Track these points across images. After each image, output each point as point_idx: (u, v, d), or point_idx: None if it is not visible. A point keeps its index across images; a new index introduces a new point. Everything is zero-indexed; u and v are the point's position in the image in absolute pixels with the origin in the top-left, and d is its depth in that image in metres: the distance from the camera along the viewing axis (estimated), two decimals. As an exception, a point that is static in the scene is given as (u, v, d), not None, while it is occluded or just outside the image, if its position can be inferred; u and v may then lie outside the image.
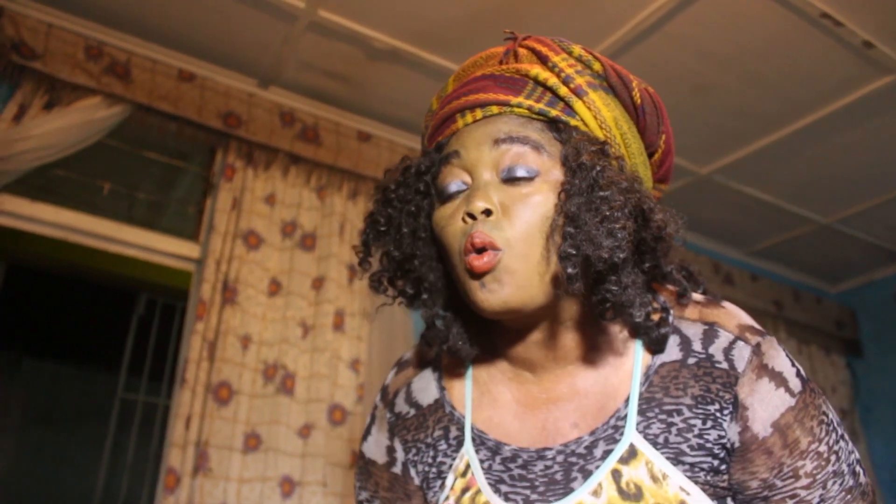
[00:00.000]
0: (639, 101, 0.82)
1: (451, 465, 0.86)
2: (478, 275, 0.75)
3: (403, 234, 0.85)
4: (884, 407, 3.87)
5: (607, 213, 0.71)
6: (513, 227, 0.74)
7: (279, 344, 2.39)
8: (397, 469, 0.92)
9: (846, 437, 0.77)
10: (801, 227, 3.61)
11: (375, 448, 0.95)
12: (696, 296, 0.85)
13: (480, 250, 0.74)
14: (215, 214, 2.42)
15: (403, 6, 2.26)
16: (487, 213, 0.75)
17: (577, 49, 0.82)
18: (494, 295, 0.74)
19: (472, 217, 0.76)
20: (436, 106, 0.90)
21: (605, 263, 0.71)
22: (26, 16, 2.25)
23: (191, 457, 2.14)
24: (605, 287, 0.74)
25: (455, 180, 0.80)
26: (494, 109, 0.79)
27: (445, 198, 0.81)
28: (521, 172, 0.76)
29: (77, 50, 2.29)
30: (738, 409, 0.75)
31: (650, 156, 0.86)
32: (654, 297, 0.83)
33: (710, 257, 3.67)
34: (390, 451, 0.93)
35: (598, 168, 0.74)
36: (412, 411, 0.92)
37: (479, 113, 0.80)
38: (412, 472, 0.91)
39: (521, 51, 0.84)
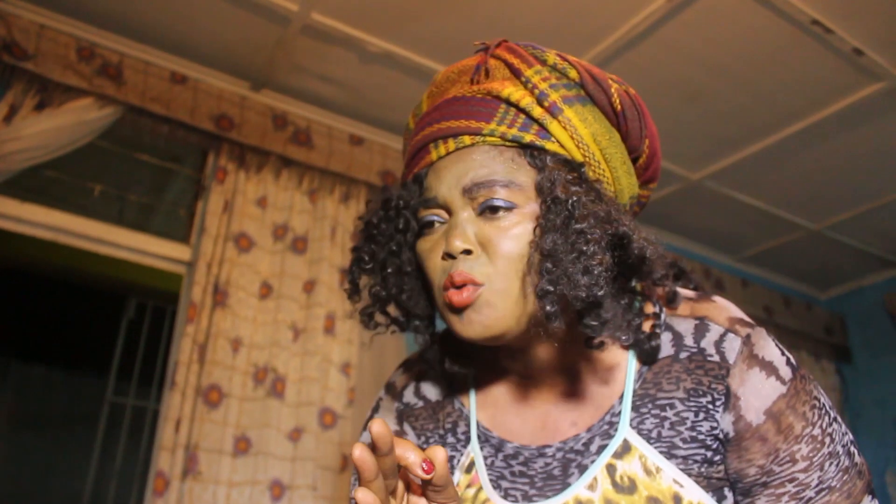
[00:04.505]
0: (619, 107, 0.79)
1: (458, 461, 0.88)
2: (458, 309, 0.77)
3: (388, 273, 0.87)
4: (873, 412, 3.89)
5: (583, 249, 0.71)
6: (493, 263, 0.76)
7: (270, 347, 2.38)
8: None
9: (839, 419, 0.78)
10: (791, 234, 3.62)
11: None
12: (688, 292, 0.87)
13: (460, 286, 0.76)
14: (206, 217, 2.42)
15: (397, 10, 2.27)
16: (467, 252, 0.77)
17: (552, 56, 0.80)
18: (473, 325, 0.76)
19: (452, 256, 0.77)
20: (412, 125, 0.91)
21: (584, 302, 0.71)
22: (18, 16, 2.24)
23: (180, 460, 2.13)
24: (585, 322, 0.74)
25: (433, 216, 0.82)
26: (466, 140, 0.79)
27: (425, 230, 0.83)
28: (496, 204, 0.76)
29: (69, 51, 2.28)
30: (730, 399, 0.76)
31: (635, 161, 0.85)
32: (645, 301, 0.85)
33: (700, 263, 3.69)
34: (399, 435, 0.95)
35: (574, 199, 0.74)
36: (421, 403, 0.95)
37: (451, 144, 0.80)
38: None
39: (493, 62, 0.83)
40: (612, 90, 0.79)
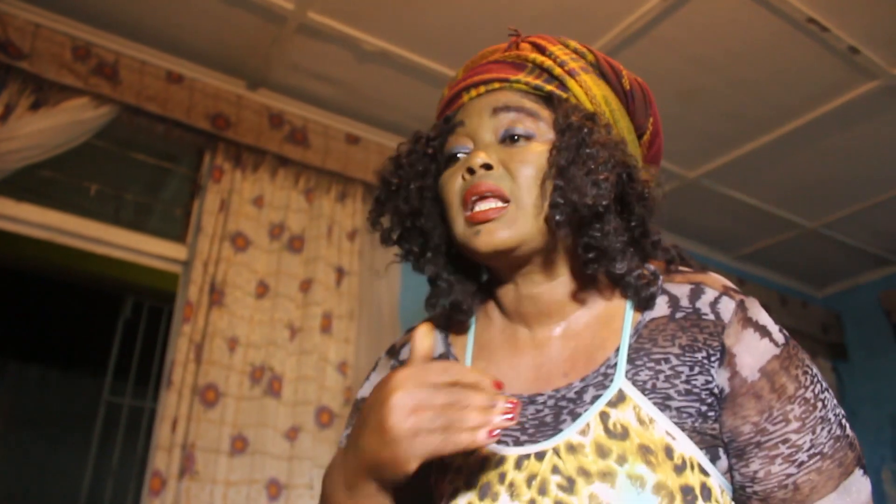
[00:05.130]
0: (628, 86, 0.90)
1: None
2: (478, 223, 0.81)
3: (411, 190, 0.91)
4: (869, 410, 3.89)
5: (592, 167, 0.79)
6: (514, 180, 0.82)
7: (266, 346, 2.38)
8: None
9: (830, 392, 0.80)
10: (787, 232, 3.63)
11: (371, 388, 0.97)
12: (684, 267, 0.90)
13: (484, 197, 0.81)
14: (203, 216, 2.41)
15: (393, 9, 2.27)
16: (487, 167, 0.82)
17: (574, 43, 0.91)
18: (493, 237, 0.80)
19: (472, 172, 0.83)
20: (447, 93, 0.98)
21: (590, 210, 0.78)
22: (13, 15, 2.24)
23: (177, 459, 2.12)
24: (588, 233, 0.80)
25: (458, 145, 0.88)
26: (496, 85, 0.88)
27: (450, 161, 0.89)
28: (517, 133, 0.84)
29: (64, 50, 2.28)
30: (725, 355, 0.78)
31: (639, 137, 0.93)
32: (645, 266, 0.88)
33: (697, 261, 3.68)
34: None
35: (587, 129, 0.82)
36: None
37: (482, 88, 0.89)
38: None
39: (523, 45, 0.93)
40: (623, 73, 0.91)
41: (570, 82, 0.87)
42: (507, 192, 0.81)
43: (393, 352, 1.00)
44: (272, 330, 2.40)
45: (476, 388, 0.69)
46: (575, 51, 0.90)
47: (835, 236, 3.65)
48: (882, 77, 2.48)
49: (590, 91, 0.88)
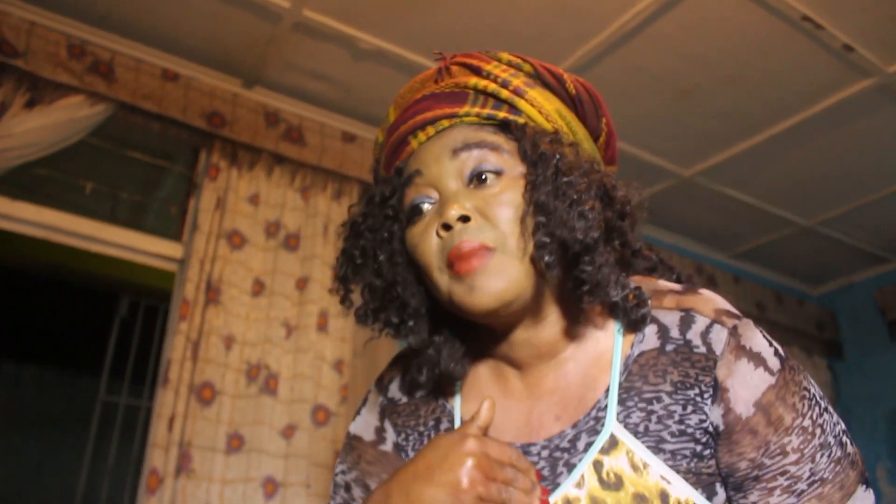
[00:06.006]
0: (573, 91, 0.84)
1: None
2: (466, 278, 0.75)
3: (381, 262, 0.85)
4: (864, 408, 3.91)
5: (575, 197, 0.74)
6: (496, 227, 0.76)
7: (262, 344, 2.38)
8: (386, 447, 0.93)
9: (830, 409, 0.78)
10: (783, 230, 3.64)
11: (363, 427, 0.96)
12: (673, 285, 0.85)
13: (468, 255, 0.75)
14: (199, 214, 2.41)
15: (389, 7, 2.27)
16: (464, 219, 0.76)
17: (506, 56, 0.85)
18: (485, 293, 0.75)
19: (448, 228, 0.77)
20: (382, 137, 0.91)
21: (581, 244, 0.73)
22: (8, 13, 2.23)
23: (173, 457, 2.12)
24: (580, 268, 0.75)
25: (421, 195, 0.81)
26: (445, 123, 0.81)
27: (414, 216, 0.82)
28: (486, 171, 0.78)
29: (59, 48, 2.28)
30: (718, 391, 0.75)
31: (595, 140, 0.89)
32: (630, 285, 0.84)
33: (692, 259, 3.70)
34: (379, 431, 0.94)
35: (558, 156, 0.77)
36: (405, 398, 0.94)
37: (430, 130, 0.82)
38: (404, 456, 0.92)
39: (454, 68, 0.86)
40: (565, 77, 0.85)
41: (521, 103, 0.82)
42: (491, 242, 0.75)
43: (382, 387, 0.97)
44: (268, 328, 2.40)
45: (526, 473, 0.75)
46: (510, 64, 0.84)
47: (830, 234, 3.66)
48: (876, 75, 2.49)
49: (542, 108, 0.82)
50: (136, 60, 2.42)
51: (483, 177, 0.78)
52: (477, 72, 0.84)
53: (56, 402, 4.31)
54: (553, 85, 0.84)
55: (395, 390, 0.95)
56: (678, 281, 0.94)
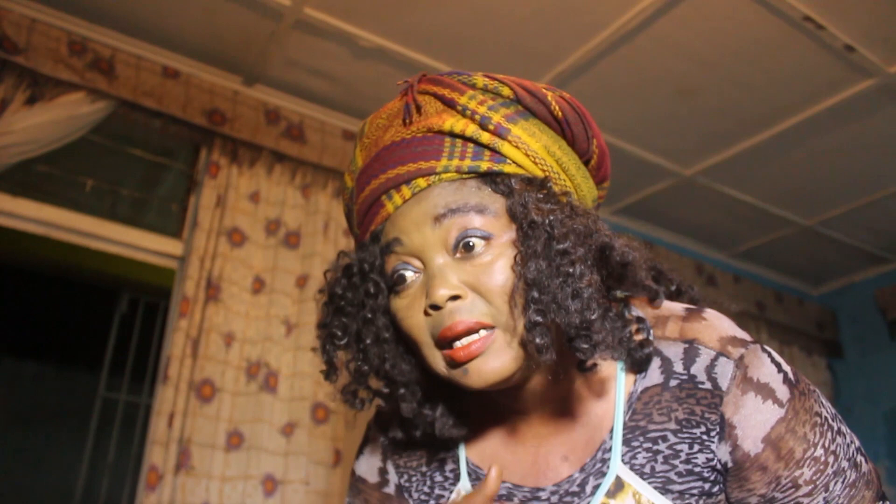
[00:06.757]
0: (560, 114, 0.75)
1: (448, 499, 0.86)
2: (463, 362, 0.70)
3: (367, 345, 0.79)
4: (863, 407, 3.92)
5: (569, 271, 0.68)
6: (490, 302, 0.70)
7: (262, 342, 2.38)
8: (389, 490, 0.92)
9: (843, 429, 0.74)
10: (783, 229, 3.64)
11: (367, 468, 0.94)
12: (677, 306, 0.81)
13: (463, 336, 0.70)
14: (199, 211, 2.41)
15: (389, 5, 2.27)
16: (454, 298, 0.71)
17: (480, 79, 0.76)
18: (483, 374, 0.70)
19: (437, 308, 0.71)
20: (350, 183, 0.84)
21: (577, 328, 0.68)
22: (9, 10, 2.23)
23: (173, 454, 2.13)
24: (576, 346, 0.69)
25: (403, 265, 0.75)
26: (422, 183, 0.74)
27: (398, 286, 0.76)
28: (473, 240, 0.72)
29: (60, 45, 2.27)
30: (725, 428, 0.72)
31: (586, 163, 0.81)
32: (631, 312, 0.80)
33: (693, 258, 3.70)
34: (382, 472, 0.93)
35: (550, 219, 0.70)
36: (406, 437, 0.90)
37: (406, 191, 0.74)
38: (407, 497, 0.91)
39: (422, 98, 0.78)
40: (549, 98, 0.75)
41: (504, 147, 0.73)
42: (488, 319, 0.70)
43: (381, 424, 0.94)
44: (268, 325, 2.40)
45: None
46: (486, 89, 0.75)
47: (831, 234, 3.66)
48: (878, 75, 2.49)
49: (529, 149, 0.74)
50: (136, 57, 2.42)
51: (470, 243, 0.71)
52: (451, 105, 0.75)
53: (56, 399, 4.32)
54: (536, 110, 0.75)
55: (395, 428, 0.90)
56: (679, 292, 0.91)
